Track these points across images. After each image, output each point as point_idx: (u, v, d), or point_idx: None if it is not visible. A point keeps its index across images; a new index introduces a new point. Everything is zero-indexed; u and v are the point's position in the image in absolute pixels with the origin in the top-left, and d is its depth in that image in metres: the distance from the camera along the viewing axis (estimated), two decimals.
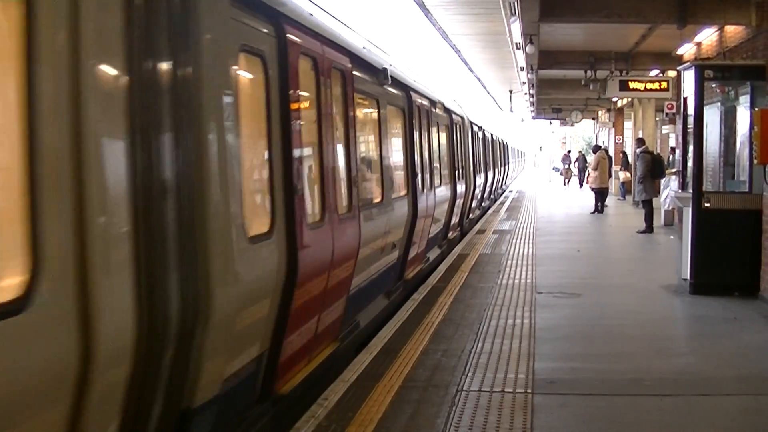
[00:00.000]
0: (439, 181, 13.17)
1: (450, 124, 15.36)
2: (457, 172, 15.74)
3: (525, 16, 12.76)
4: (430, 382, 6.37)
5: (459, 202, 16.17)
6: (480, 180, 21.54)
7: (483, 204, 24.72)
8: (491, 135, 27.47)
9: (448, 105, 15.29)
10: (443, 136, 14.53)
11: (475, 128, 20.78)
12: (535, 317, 8.82)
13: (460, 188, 16.27)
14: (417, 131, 11.01)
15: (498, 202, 29.76)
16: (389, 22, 20.91)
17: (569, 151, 52.78)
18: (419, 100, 11.36)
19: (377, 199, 8.76)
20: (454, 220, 16.11)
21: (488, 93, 41.24)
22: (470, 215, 20.15)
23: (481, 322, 8.50)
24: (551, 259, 13.51)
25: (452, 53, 25.08)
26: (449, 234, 15.59)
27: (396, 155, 10.21)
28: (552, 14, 12.72)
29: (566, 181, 46.62)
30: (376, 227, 8.35)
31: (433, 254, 13.29)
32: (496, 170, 29.68)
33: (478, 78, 33.55)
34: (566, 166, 48.30)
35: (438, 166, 13.30)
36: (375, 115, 9.01)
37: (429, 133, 12.17)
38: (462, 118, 17.69)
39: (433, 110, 12.89)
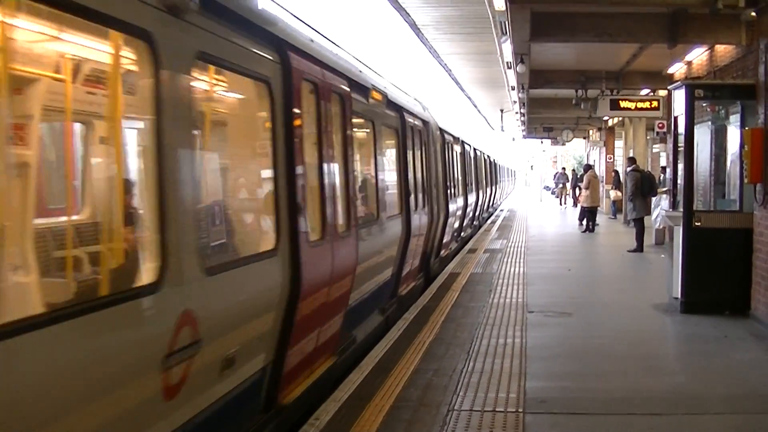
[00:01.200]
0: (374, 213, 9.09)
1: (401, 128, 10.68)
2: (412, 198, 11.09)
3: (516, 35, 12.80)
4: (421, 402, 6.34)
5: (415, 240, 11.29)
6: (456, 206, 16.98)
7: (463, 233, 20.57)
8: (474, 150, 23.61)
9: (395, 98, 10.37)
10: (385, 145, 10.09)
11: (448, 137, 16.26)
12: (526, 336, 8.80)
13: (419, 220, 11.52)
14: (308, 130, 6.34)
15: (489, 221, 29.72)
16: (381, 42, 21.02)
17: (563, 168, 48.59)
18: (318, 75, 6.58)
19: (137, 282, 4.08)
20: (409, 267, 11.31)
21: (479, 112, 41.39)
22: (441, 252, 15.38)
23: (473, 342, 8.48)
24: (542, 279, 13.50)
25: (443, 72, 25.18)
26: (401, 289, 10.88)
27: (247, 176, 6.31)
28: (543, 34, 12.75)
29: (562, 200, 42.21)
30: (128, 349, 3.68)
31: (373, 323, 9.22)
32: (481, 192, 25.33)
33: (468, 97, 33.69)
34: (560, 185, 43.28)
35: (370, 191, 9.22)
36: (176, 90, 4.20)
37: (344, 137, 7.47)
38: (425, 122, 13.07)
39: (360, 99, 8.27)
